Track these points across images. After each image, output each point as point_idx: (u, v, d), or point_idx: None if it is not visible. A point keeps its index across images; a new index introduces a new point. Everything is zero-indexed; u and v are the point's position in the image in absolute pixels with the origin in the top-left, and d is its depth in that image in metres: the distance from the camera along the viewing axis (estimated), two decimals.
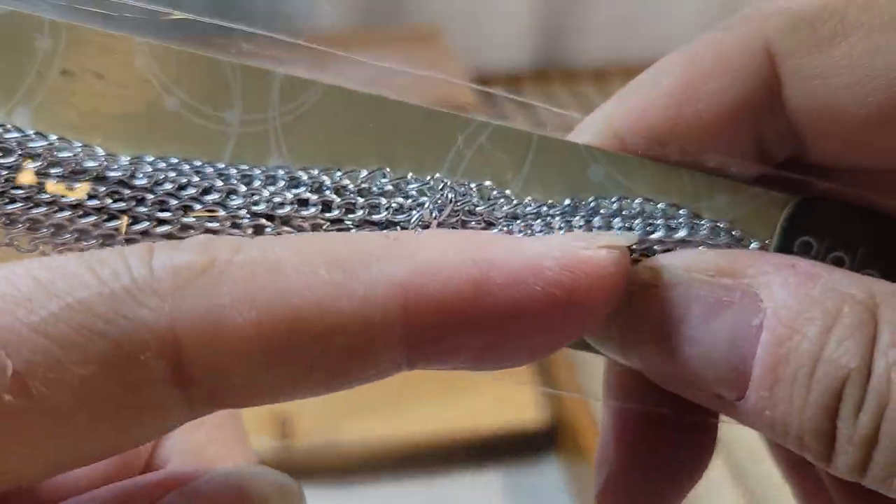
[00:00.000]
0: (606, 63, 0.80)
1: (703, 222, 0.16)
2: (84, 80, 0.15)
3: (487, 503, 0.42)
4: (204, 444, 0.18)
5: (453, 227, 0.15)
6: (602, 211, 0.15)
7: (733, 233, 0.16)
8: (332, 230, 0.15)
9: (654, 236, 0.15)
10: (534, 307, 0.13)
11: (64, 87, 0.15)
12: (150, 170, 0.15)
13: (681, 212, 0.16)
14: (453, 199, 0.15)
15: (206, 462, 0.18)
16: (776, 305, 0.13)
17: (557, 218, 0.15)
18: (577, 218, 0.15)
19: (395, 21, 0.74)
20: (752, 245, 0.16)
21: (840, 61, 0.14)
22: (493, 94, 0.18)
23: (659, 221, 0.15)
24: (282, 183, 0.15)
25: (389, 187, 0.15)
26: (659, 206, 0.16)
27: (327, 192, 0.15)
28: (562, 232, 0.15)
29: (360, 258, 0.12)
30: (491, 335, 0.13)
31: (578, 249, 0.13)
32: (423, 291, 0.12)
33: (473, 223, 0.15)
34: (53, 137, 0.15)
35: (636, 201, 0.16)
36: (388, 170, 0.15)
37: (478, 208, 0.15)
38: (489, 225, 0.15)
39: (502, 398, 0.44)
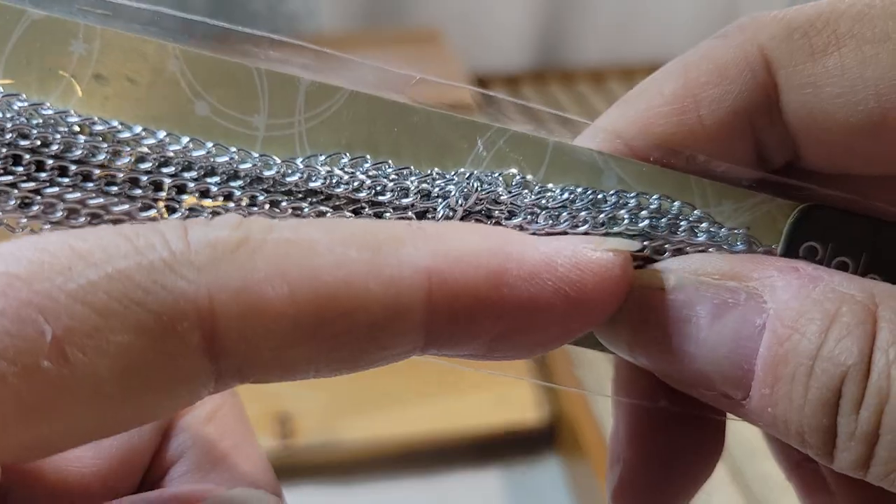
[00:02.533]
0: (603, 64, 0.80)
1: (721, 230, 0.16)
2: (116, 85, 0.15)
3: (487, 501, 0.41)
4: (214, 440, 0.18)
5: (479, 215, 0.16)
6: (624, 208, 0.16)
7: (751, 240, 0.16)
8: (364, 209, 0.16)
9: (675, 237, 0.16)
10: (545, 301, 0.13)
11: (97, 91, 0.15)
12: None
13: (695, 212, 0.16)
14: (478, 189, 0.16)
15: (217, 458, 0.18)
16: (778, 307, 0.13)
17: (584, 213, 0.16)
18: (602, 215, 0.16)
19: (395, 23, 0.74)
20: (759, 250, 0.16)
21: (832, 71, 0.14)
22: (494, 97, 0.19)
23: (682, 224, 0.16)
24: (320, 168, 0.15)
25: (415, 182, 0.16)
26: (675, 204, 0.16)
27: (360, 175, 0.16)
28: (587, 225, 0.16)
29: (388, 242, 0.13)
30: (505, 325, 0.13)
31: (588, 250, 0.14)
32: (446, 277, 0.13)
33: (497, 212, 0.16)
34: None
35: (653, 198, 0.16)
36: (412, 167, 0.16)
37: (502, 197, 0.16)
38: (512, 214, 0.16)
39: (502, 398, 0.44)
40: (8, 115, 0.14)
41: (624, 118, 0.16)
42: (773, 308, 0.13)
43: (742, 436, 0.39)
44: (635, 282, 0.14)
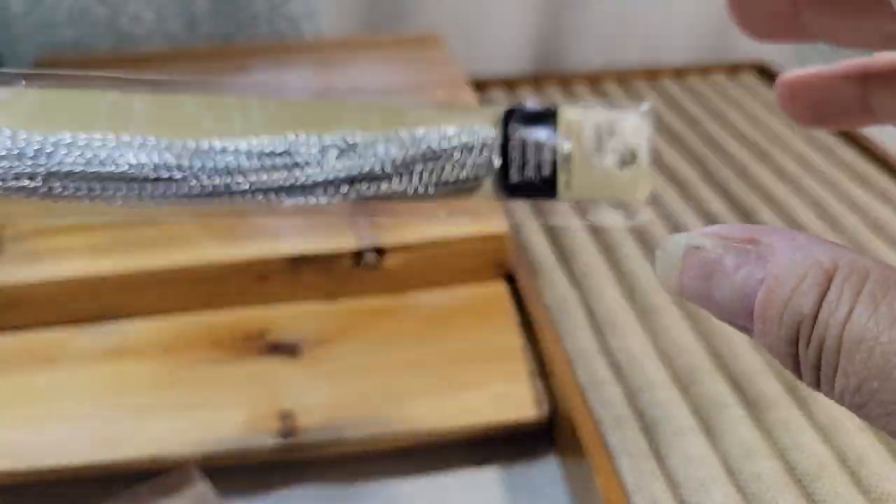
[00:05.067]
0: (600, 71, 0.80)
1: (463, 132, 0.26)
2: None
3: (486, 497, 0.41)
4: None
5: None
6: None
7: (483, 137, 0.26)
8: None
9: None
10: None
11: None
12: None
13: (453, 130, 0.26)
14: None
15: None
16: (774, 266, 0.17)
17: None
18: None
19: (395, 27, 0.74)
20: (488, 135, 0.26)
21: None
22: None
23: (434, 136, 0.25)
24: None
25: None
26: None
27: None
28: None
29: None
30: None
31: None
32: None
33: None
34: None
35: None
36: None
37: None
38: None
39: (502, 396, 0.43)
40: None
41: None
42: (771, 266, 0.17)
43: (740, 438, 0.39)
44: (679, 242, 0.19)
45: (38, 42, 0.62)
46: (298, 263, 0.47)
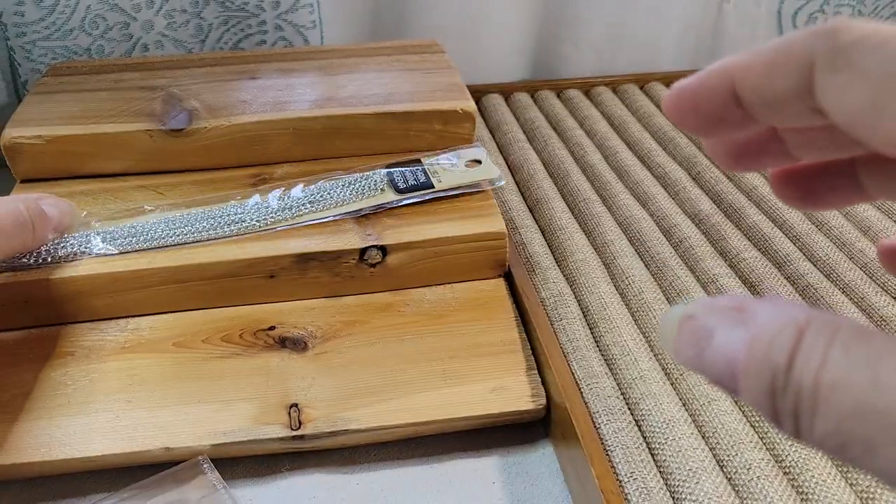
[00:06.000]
0: (591, 74, 0.80)
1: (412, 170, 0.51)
2: None
3: (486, 484, 0.41)
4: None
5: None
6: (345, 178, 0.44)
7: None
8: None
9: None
10: None
11: None
12: None
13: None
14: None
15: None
16: (754, 326, 0.18)
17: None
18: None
19: (398, 36, 0.74)
20: (379, 174, 0.50)
21: (831, 87, 0.19)
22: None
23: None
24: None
25: None
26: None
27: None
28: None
29: None
30: None
31: None
32: None
33: None
34: None
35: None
36: None
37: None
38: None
39: (501, 389, 0.44)
40: None
41: (736, 60, 0.22)
42: (752, 327, 0.18)
43: (728, 430, 0.39)
44: (674, 315, 0.20)
45: (51, 48, 0.63)
46: (305, 261, 0.47)
